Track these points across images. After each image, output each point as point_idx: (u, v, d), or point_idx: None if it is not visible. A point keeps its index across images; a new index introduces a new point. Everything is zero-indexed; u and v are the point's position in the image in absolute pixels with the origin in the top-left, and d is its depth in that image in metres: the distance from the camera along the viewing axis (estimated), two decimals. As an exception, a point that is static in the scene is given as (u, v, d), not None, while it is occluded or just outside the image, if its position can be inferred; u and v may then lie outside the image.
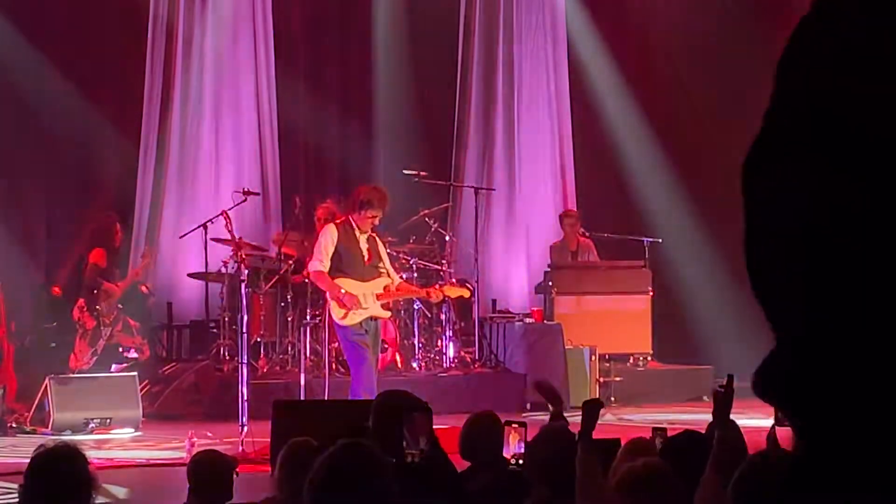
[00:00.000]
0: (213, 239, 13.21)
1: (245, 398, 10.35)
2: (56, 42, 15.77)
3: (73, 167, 15.92)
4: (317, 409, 9.77)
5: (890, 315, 1.26)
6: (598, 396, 14.40)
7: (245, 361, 10.77)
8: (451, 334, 14.44)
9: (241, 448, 9.87)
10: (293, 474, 4.92)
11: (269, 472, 7.45)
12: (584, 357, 14.30)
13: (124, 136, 15.88)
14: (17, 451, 9.69)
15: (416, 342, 14.27)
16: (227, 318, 14.06)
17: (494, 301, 16.64)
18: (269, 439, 9.05)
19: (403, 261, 13.98)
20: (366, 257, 10.85)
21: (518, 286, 17.37)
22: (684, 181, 17.76)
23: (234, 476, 5.86)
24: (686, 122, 17.71)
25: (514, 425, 5.61)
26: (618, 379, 14.75)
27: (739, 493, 3.82)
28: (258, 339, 14.01)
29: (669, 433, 5.91)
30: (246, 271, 11.29)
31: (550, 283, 15.39)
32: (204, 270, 14.06)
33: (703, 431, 5.43)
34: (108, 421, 12.12)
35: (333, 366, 13.76)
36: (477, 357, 14.60)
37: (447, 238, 15.09)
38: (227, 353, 13.95)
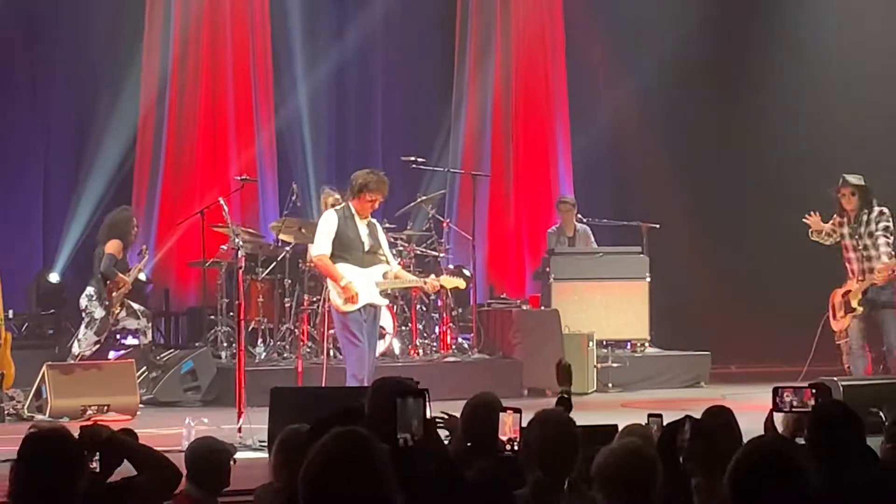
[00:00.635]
0: (210, 226, 13.20)
1: (242, 385, 10.34)
2: (53, 25, 15.76)
3: (70, 153, 15.91)
4: (314, 396, 9.74)
5: None
6: (594, 382, 14.45)
7: (242, 348, 10.76)
8: (448, 321, 14.45)
9: (238, 435, 9.87)
10: (289, 461, 4.92)
11: (267, 458, 7.44)
12: (581, 343, 14.29)
13: (122, 123, 15.86)
14: (16, 438, 9.69)
15: (413, 328, 14.27)
16: (224, 305, 14.07)
17: (492, 287, 16.65)
18: (266, 426, 9.05)
19: (401, 247, 13.98)
20: (365, 243, 10.84)
21: (515, 272, 17.38)
22: (683, 166, 17.77)
23: (232, 463, 5.86)
24: (685, 110, 17.71)
25: (508, 411, 5.60)
26: (615, 365, 14.75)
27: (736, 478, 3.81)
28: (256, 326, 14.02)
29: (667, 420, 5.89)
30: (243, 258, 11.27)
31: (548, 270, 15.39)
32: (201, 257, 14.05)
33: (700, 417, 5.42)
34: (106, 408, 12.11)
35: (331, 352, 13.78)
36: (474, 343, 14.61)
37: (444, 224, 15.08)
38: (224, 340, 13.97)
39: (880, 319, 12.36)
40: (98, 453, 4.83)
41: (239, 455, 6.51)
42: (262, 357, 13.88)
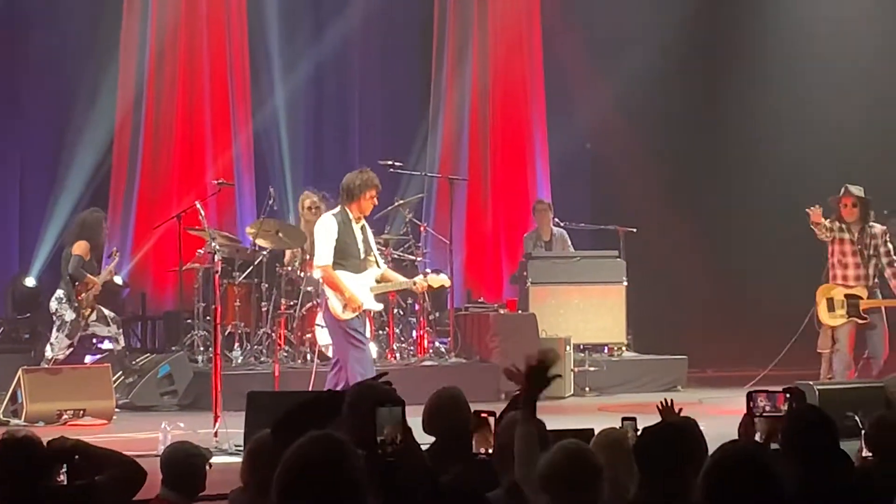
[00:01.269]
0: (186, 229, 13.18)
1: (219, 389, 10.33)
2: (30, 27, 15.73)
3: (46, 157, 15.87)
4: (291, 400, 9.73)
5: None
6: (573, 385, 14.46)
7: (219, 352, 10.74)
8: (425, 325, 14.44)
9: (215, 439, 9.85)
10: (259, 466, 4.91)
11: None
12: (558, 347, 14.29)
13: (98, 126, 15.82)
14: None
15: (390, 332, 14.26)
16: (201, 309, 14.04)
17: (469, 291, 16.65)
18: (242, 430, 9.04)
19: (378, 251, 13.95)
20: (361, 249, 10.79)
21: (492, 276, 17.39)
22: (660, 170, 17.81)
23: (208, 468, 5.85)
24: (661, 113, 17.76)
25: (482, 415, 5.60)
26: (592, 369, 14.77)
27: (710, 482, 3.82)
28: (232, 330, 14.00)
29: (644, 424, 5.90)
30: (219, 262, 11.24)
31: (525, 274, 15.40)
32: (178, 261, 14.01)
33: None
34: (82, 413, 12.08)
35: (308, 356, 13.76)
36: (451, 347, 14.61)
37: (422, 228, 15.08)
38: (201, 344, 13.94)
39: (871, 324, 12.52)
40: (66, 465, 4.84)
41: (215, 459, 6.51)
42: (239, 361, 13.85)
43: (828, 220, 12.66)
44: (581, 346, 15.03)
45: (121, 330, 13.31)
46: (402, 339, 14.47)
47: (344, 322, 10.56)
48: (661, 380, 15.16)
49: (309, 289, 13.86)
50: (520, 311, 15.10)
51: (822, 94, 17.36)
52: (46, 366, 12.70)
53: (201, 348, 13.90)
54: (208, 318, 13.58)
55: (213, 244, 11.22)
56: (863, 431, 6.27)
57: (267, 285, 14.05)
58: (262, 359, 13.86)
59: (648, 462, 4.68)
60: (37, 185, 15.82)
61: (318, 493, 3.47)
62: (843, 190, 12.67)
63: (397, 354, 14.22)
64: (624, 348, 15.42)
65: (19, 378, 12.11)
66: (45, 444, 4.80)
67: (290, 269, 14.13)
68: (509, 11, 17.77)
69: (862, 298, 12.51)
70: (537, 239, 15.94)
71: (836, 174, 13.85)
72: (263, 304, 14.00)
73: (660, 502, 4.53)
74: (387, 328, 14.26)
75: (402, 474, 4.31)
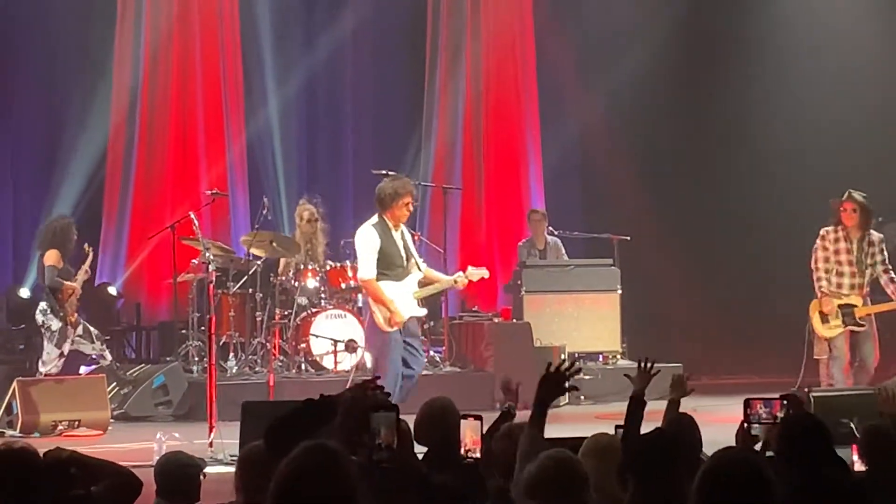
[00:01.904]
0: (181, 239, 13.17)
1: (214, 399, 10.32)
2: (23, 36, 15.73)
3: (40, 167, 15.86)
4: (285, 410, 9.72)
5: None
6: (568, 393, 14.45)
7: (214, 362, 10.73)
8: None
9: (210, 449, 9.84)
10: (253, 477, 4.90)
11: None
12: (553, 355, 14.28)
13: (92, 137, 15.82)
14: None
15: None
16: (195, 319, 14.03)
17: (463, 300, 16.65)
18: (238, 440, 9.03)
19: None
20: (403, 256, 10.79)
21: (487, 285, 17.38)
22: (654, 178, 17.81)
23: (202, 478, 5.84)
24: (654, 121, 17.76)
25: (469, 418, 5.60)
26: (587, 377, 14.74)
27: (704, 489, 3.82)
28: (227, 340, 13.99)
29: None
30: (214, 272, 11.24)
31: (519, 282, 15.39)
32: (172, 271, 14.01)
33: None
34: (77, 423, 12.07)
35: (303, 366, 13.76)
36: (446, 356, 14.60)
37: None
38: (196, 355, 13.93)
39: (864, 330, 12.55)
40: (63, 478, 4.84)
41: (210, 469, 6.49)
42: (234, 371, 13.85)
43: (827, 227, 12.62)
44: (576, 355, 15.01)
45: (105, 346, 13.21)
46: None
47: (385, 335, 10.57)
48: (656, 388, 15.08)
49: (302, 300, 13.87)
50: (514, 320, 15.10)
51: (819, 100, 17.36)
52: (40, 377, 12.66)
53: (196, 358, 13.89)
54: (203, 328, 13.57)
55: (208, 254, 11.23)
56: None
57: (261, 295, 14.05)
58: (256, 369, 13.85)
59: (641, 469, 4.68)
60: (30, 196, 15.81)
61: (314, 502, 3.47)
62: (845, 194, 12.65)
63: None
64: (619, 356, 15.41)
65: (14, 389, 12.09)
66: (40, 455, 4.79)
67: (284, 278, 14.13)
68: (502, 18, 17.77)
69: (856, 307, 12.50)
70: (531, 247, 15.94)
71: (833, 181, 13.84)
72: (258, 313, 14.00)
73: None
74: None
75: (395, 478, 4.33)
